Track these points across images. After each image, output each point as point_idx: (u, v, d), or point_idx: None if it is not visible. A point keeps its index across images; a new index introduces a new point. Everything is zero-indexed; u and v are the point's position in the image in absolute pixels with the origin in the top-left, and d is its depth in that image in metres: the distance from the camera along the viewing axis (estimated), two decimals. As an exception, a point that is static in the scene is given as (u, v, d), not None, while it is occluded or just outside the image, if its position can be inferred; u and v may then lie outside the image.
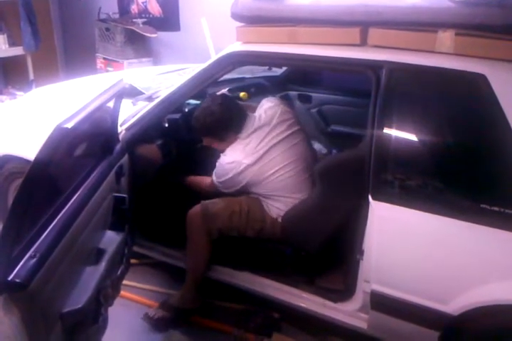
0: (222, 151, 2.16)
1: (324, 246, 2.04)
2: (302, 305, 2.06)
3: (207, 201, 2.16)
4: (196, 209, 2.15)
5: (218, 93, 2.58)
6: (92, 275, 1.57)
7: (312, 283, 2.10)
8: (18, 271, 1.18)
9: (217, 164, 2.15)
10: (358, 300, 1.89)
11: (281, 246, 2.19)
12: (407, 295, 1.70)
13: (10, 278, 1.16)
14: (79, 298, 1.46)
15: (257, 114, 2.18)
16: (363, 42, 1.74)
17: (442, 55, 1.59)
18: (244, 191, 2.17)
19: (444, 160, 1.65)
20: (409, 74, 1.66)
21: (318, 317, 2.04)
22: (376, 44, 1.72)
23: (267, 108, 2.19)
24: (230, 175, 2.09)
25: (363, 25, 1.73)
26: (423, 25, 1.63)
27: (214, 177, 2.17)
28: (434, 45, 1.59)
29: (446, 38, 1.57)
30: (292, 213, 2.07)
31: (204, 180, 2.31)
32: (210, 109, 2.13)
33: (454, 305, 1.62)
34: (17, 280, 1.16)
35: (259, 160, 2.07)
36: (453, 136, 1.64)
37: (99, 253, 1.68)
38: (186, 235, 2.16)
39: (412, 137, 1.68)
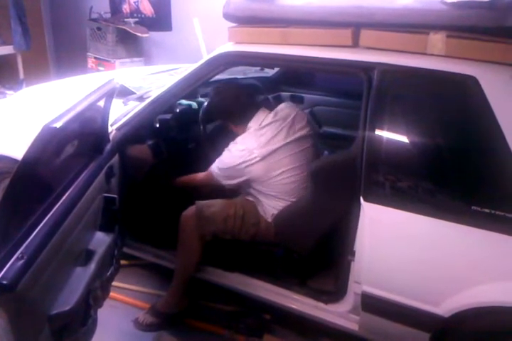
0: (237, 135, 2.15)
1: (316, 248, 2.04)
2: (293, 306, 2.06)
3: (201, 202, 2.14)
4: (190, 211, 2.13)
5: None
6: (81, 277, 1.55)
7: (303, 284, 2.10)
8: (5, 272, 1.16)
9: (224, 152, 2.10)
10: (349, 301, 1.89)
11: (272, 248, 2.19)
12: (398, 297, 1.70)
13: None
14: (68, 299, 1.44)
15: (273, 111, 2.16)
16: (355, 44, 1.74)
17: (434, 57, 1.59)
18: (243, 186, 2.14)
19: (436, 162, 1.65)
20: (401, 75, 1.66)
21: (310, 318, 2.04)
22: (368, 45, 1.72)
23: (284, 107, 2.17)
24: (237, 163, 2.03)
25: (355, 26, 1.72)
26: (415, 27, 1.63)
27: (216, 166, 2.12)
28: (426, 47, 1.59)
29: (437, 39, 1.57)
30: (284, 214, 2.07)
31: (197, 175, 2.28)
32: (220, 92, 2.20)
33: (445, 306, 1.62)
34: (4, 282, 1.14)
35: (269, 155, 2.02)
36: (444, 137, 1.64)
37: (89, 254, 1.66)
38: (178, 236, 2.14)
39: (404, 139, 1.68)
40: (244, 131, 2.12)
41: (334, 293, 1.98)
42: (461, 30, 1.56)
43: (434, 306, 1.64)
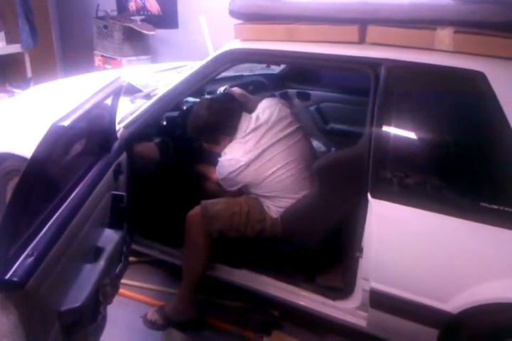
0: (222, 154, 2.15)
1: (323, 245, 2.04)
2: (301, 303, 2.06)
3: (207, 201, 2.15)
4: (196, 210, 2.14)
5: (210, 96, 2.58)
6: (90, 274, 1.56)
7: (312, 281, 2.10)
8: (15, 269, 1.17)
9: (218, 162, 2.14)
10: (357, 298, 1.89)
11: (280, 245, 2.19)
12: (407, 293, 1.70)
13: (7, 277, 1.15)
14: (77, 296, 1.45)
15: (254, 114, 2.17)
16: (362, 40, 1.73)
17: (441, 53, 1.58)
18: (245, 191, 2.17)
19: (444, 158, 1.65)
20: (408, 71, 1.66)
21: (318, 315, 2.04)
22: (375, 42, 1.72)
23: (264, 107, 2.18)
24: (229, 172, 2.08)
25: (362, 22, 1.72)
26: (422, 22, 1.63)
27: (217, 175, 2.18)
28: (433, 43, 1.58)
29: (444, 35, 1.57)
30: (291, 211, 2.07)
31: (212, 173, 2.30)
32: (199, 114, 2.15)
33: (454, 303, 1.61)
34: (14, 279, 1.15)
35: (257, 158, 2.05)
36: (452, 133, 1.64)
37: (98, 251, 1.67)
38: (184, 236, 2.14)
39: (411, 135, 1.68)
40: (226, 145, 2.14)
41: (342, 289, 1.98)
42: (468, 25, 1.55)
43: (442, 303, 1.64)
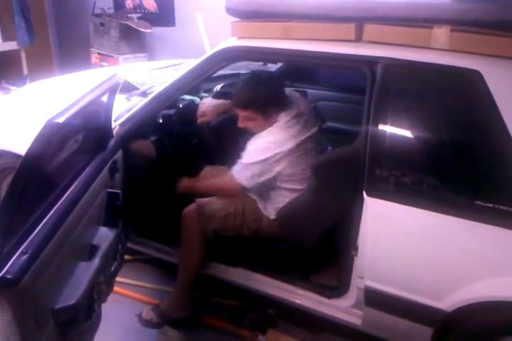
0: (256, 132, 2.01)
1: (319, 243, 2.04)
2: (297, 301, 2.06)
3: (202, 200, 2.13)
4: (191, 208, 2.12)
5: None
6: (85, 272, 1.56)
7: (307, 279, 2.10)
8: (9, 267, 1.16)
9: (249, 147, 1.98)
10: (352, 296, 1.89)
11: (276, 243, 2.19)
12: (401, 292, 1.70)
13: (1, 275, 1.14)
14: (72, 294, 1.45)
15: (295, 103, 2.06)
16: (358, 38, 1.73)
17: (437, 51, 1.58)
18: (267, 186, 2.05)
19: (439, 157, 1.65)
20: (404, 70, 1.66)
21: (313, 313, 2.04)
22: (371, 40, 1.71)
23: (301, 99, 2.11)
24: (263, 158, 1.92)
25: (359, 20, 1.71)
26: (418, 21, 1.62)
27: (241, 164, 1.99)
28: (429, 41, 1.58)
29: (441, 33, 1.56)
30: (287, 210, 2.07)
31: (221, 183, 2.14)
32: (261, 79, 2.01)
33: (448, 301, 1.62)
34: (8, 277, 1.15)
35: (296, 147, 1.93)
36: (447, 132, 1.63)
37: (93, 249, 1.67)
38: (180, 234, 2.14)
39: (407, 133, 1.68)
40: (270, 125, 1.99)
41: (337, 287, 1.98)
42: (464, 24, 1.55)
43: (437, 301, 1.64)
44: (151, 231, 2.38)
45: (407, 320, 1.73)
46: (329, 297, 1.98)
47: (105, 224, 1.81)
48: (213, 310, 2.27)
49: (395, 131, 1.68)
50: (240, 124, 2.05)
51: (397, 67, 1.65)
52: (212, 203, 2.12)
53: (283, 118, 1.99)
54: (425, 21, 1.60)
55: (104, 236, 1.76)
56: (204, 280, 2.25)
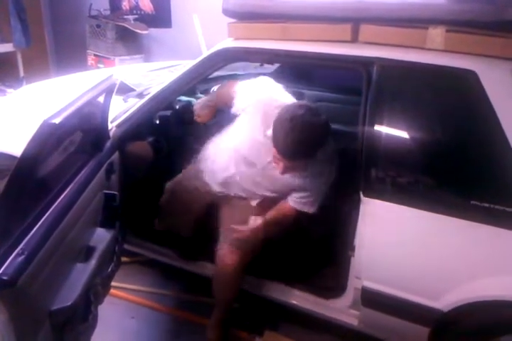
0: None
1: (316, 243, 2.04)
2: (294, 302, 2.06)
3: (239, 243, 1.90)
4: (226, 252, 1.93)
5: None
6: (81, 273, 1.55)
7: (304, 280, 2.10)
8: (5, 268, 1.16)
9: (315, 173, 1.83)
10: (349, 296, 1.89)
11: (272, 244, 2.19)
12: (398, 292, 1.70)
13: None
14: (68, 295, 1.45)
15: None
16: (354, 39, 1.74)
17: (433, 52, 1.59)
18: None
19: (436, 157, 1.65)
20: (400, 70, 1.66)
21: (310, 314, 2.04)
22: (367, 40, 1.72)
23: None
24: (325, 183, 1.86)
25: (355, 21, 1.72)
26: (414, 21, 1.63)
27: (318, 186, 1.87)
28: (425, 42, 1.59)
29: (436, 34, 1.57)
30: None
31: (285, 211, 1.96)
32: (317, 121, 1.69)
33: (444, 301, 1.62)
34: (4, 278, 1.14)
35: None
36: (443, 132, 1.64)
37: (89, 250, 1.66)
38: (216, 272, 2.02)
39: (403, 134, 1.68)
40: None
41: (334, 288, 1.98)
42: (460, 24, 1.56)
43: (433, 300, 1.65)
44: (149, 233, 2.38)
45: (403, 319, 1.73)
46: (326, 297, 1.98)
47: (102, 226, 1.81)
48: (211, 312, 2.27)
49: (391, 131, 1.68)
50: (283, 173, 1.79)
51: (393, 67, 1.66)
52: (248, 241, 1.91)
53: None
54: (420, 22, 1.61)
55: (101, 237, 1.76)
56: (201, 282, 2.24)
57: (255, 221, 1.91)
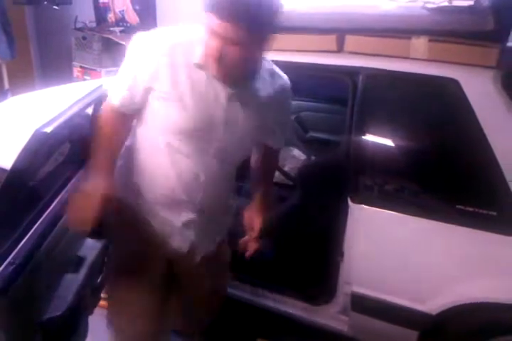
0: None
1: (305, 250, 2.05)
2: (283, 308, 2.06)
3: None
4: None
5: None
6: (71, 283, 1.55)
7: (293, 286, 2.11)
8: None
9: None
10: (338, 302, 1.90)
11: (262, 252, 2.19)
12: (386, 296, 1.72)
13: None
14: (59, 305, 1.44)
15: None
16: (340, 49, 1.77)
17: (417, 61, 1.63)
18: None
19: (421, 164, 1.69)
20: (385, 79, 1.70)
21: (300, 320, 2.04)
22: (353, 50, 1.75)
23: None
24: None
25: (340, 32, 1.76)
26: (398, 32, 1.67)
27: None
28: (409, 51, 1.63)
29: (420, 44, 1.61)
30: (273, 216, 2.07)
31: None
32: None
33: (432, 304, 1.64)
34: None
35: None
36: (428, 140, 1.67)
37: (79, 260, 1.66)
38: None
39: (389, 142, 1.72)
40: None
41: (324, 294, 1.99)
42: (442, 34, 1.60)
43: (421, 304, 1.67)
44: None
45: (392, 324, 1.74)
46: (316, 304, 1.98)
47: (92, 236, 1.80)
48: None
49: (377, 139, 1.72)
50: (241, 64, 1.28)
51: (378, 76, 1.69)
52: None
53: None
54: (404, 32, 1.65)
55: (91, 247, 1.75)
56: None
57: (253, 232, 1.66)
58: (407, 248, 1.66)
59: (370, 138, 1.71)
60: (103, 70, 4.31)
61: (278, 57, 1.85)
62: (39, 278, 1.35)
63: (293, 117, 3.14)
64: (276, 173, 2.78)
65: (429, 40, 1.59)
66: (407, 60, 1.64)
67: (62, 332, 1.49)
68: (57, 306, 1.43)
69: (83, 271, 1.62)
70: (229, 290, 2.14)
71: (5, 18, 4.17)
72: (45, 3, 4.52)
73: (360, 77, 1.71)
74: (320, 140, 3.05)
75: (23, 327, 1.29)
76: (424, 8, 1.63)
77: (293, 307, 2.04)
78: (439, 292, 1.63)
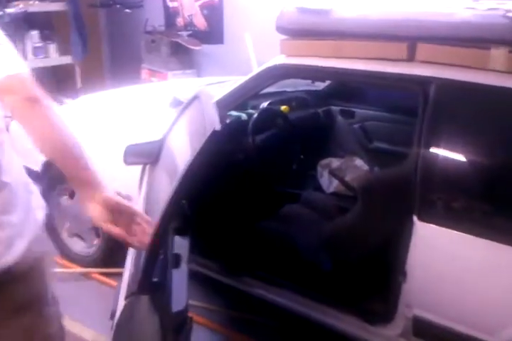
0: None
1: (367, 266, 1.97)
2: (336, 324, 1.97)
3: None
4: None
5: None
6: (180, 278, 1.59)
7: (351, 303, 2.02)
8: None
9: None
10: (399, 324, 1.80)
11: (321, 263, 2.12)
12: (452, 323, 1.62)
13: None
14: (180, 299, 1.50)
15: None
16: (411, 58, 1.69)
17: (494, 73, 1.53)
18: None
19: (495, 182, 1.58)
20: (460, 90, 1.60)
21: (355, 339, 1.96)
22: (424, 59, 1.67)
23: None
24: None
25: (411, 40, 1.68)
26: (473, 41, 1.57)
27: None
28: (487, 62, 1.53)
29: (499, 55, 1.51)
30: (336, 230, 2.00)
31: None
32: None
33: (502, 336, 1.53)
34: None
35: None
36: (505, 156, 1.56)
37: (177, 257, 1.69)
38: None
39: (462, 157, 1.62)
40: None
41: (382, 314, 1.89)
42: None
43: (489, 335, 1.56)
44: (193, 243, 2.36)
45: (456, 353, 1.64)
46: (373, 323, 1.89)
47: (177, 234, 1.80)
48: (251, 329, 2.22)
49: (449, 154, 1.62)
50: None
51: (453, 88, 1.60)
52: None
53: None
54: (482, 42, 1.55)
55: (180, 245, 1.77)
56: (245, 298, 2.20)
57: None
58: (478, 273, 1.56)
59: (441, 152, 1.62)
60: (170, 73, 4.40)
61: (346, 65, 1.81)
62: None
63: (357, 126, 3.06)
64: (336, 183, 2.73)
65: (510, 51, 1.48)
66: (483, 71, 1.54)
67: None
68: (179, 300, 1.50)
69: (184, 266, 1.66)
70: (282, 300, 2.10)
71: (80, 22, 4.36)
72: (118, 6, 4.69)
73: (433, 88, 1.62)
74: (384, 151, 2.95)
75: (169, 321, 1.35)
76: (504, 16, 1.53)
77: (348, 325, 1.96)
78: (509, 323, 1.51)
